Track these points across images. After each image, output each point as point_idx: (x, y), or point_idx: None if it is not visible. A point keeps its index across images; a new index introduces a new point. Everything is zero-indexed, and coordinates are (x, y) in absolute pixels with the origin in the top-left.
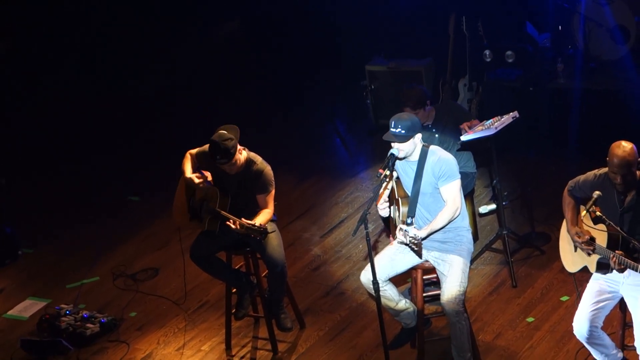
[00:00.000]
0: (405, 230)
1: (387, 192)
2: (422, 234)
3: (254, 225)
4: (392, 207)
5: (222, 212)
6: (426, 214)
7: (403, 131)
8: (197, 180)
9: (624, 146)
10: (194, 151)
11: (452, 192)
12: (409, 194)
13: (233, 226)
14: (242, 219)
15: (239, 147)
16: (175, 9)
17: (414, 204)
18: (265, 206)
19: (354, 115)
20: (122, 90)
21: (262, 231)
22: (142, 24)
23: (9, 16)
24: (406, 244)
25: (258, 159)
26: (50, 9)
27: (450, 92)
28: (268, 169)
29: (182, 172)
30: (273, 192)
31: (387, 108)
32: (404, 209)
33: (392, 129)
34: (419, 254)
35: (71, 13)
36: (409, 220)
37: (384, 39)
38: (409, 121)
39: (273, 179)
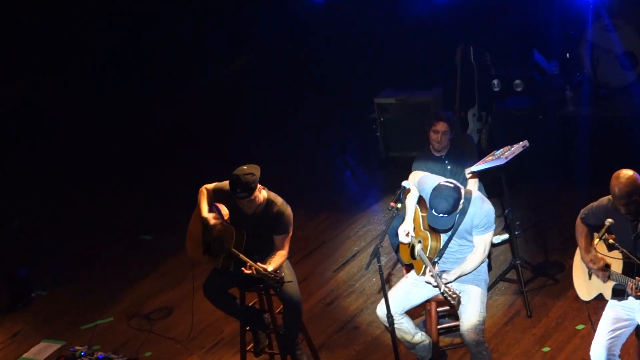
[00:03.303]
0: (437, 275)
1: (411, 213)
2: (451, 277)
3: (269, 273)
4: (412, 236)
5: (240, 255)
6: (451, 256)
7: (446, 215)
8: (212, 221)
9: (622, 175)
10: (210, 186)
11: (485, 242)
12: (442, 236)
13: (247, 271)
14: (258, 263)
15: (259, 185)
16: (189, 45)
17: (445, 246)
18: (280, 247)
19: (364, 148)
20: (133, 128)
21: (279, 280)
22: (152, 59)
23: (22, 56)
24: (435, 286)
25: (279, 200)
26: (64, 44)
27: (460, 123)
28: (289, 211)
29: (199, 208)
30: (290, 234)
31: (396, 140)
32: (433, 244)
33: (435, 214)
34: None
35: (85, 49)
36: (435, 259)
37: (392, 71)
38: (448, 204)
39: (292, 221)
